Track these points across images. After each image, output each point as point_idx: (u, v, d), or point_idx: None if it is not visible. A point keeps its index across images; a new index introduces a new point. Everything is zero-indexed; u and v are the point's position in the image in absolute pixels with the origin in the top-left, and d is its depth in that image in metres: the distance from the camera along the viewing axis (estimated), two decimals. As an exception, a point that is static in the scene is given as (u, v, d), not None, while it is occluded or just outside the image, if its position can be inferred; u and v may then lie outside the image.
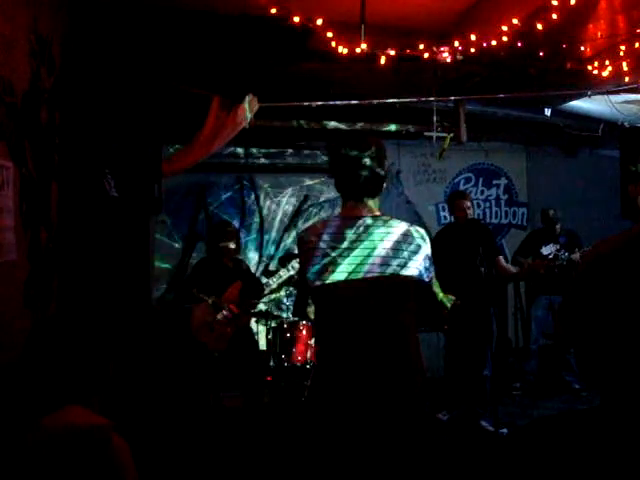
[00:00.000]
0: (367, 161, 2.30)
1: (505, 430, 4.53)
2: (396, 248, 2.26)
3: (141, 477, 1.77)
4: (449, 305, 4.20)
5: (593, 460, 1.83)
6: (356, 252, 2.25)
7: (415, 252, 2.28)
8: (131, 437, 1.83)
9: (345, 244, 2.27)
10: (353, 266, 2.24)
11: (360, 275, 2.24)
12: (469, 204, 4.95)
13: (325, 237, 2.30)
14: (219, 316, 4.53)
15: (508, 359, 6.28)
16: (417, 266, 2.29)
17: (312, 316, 5.19)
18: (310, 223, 6.68)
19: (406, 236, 2.29)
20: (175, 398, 4.48)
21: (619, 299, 1.79)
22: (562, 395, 5.66)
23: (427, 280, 2.37)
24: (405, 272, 2.26)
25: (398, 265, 2.25)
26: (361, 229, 2.29)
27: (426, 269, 2.34)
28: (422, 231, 2.37)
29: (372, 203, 2.35)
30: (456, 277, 4.69)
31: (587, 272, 1.93)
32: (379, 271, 2.23)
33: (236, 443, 4.19)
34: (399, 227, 2.32)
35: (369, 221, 2.31)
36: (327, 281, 2.26)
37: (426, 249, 2.33)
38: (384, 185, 2.39)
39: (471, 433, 4.73)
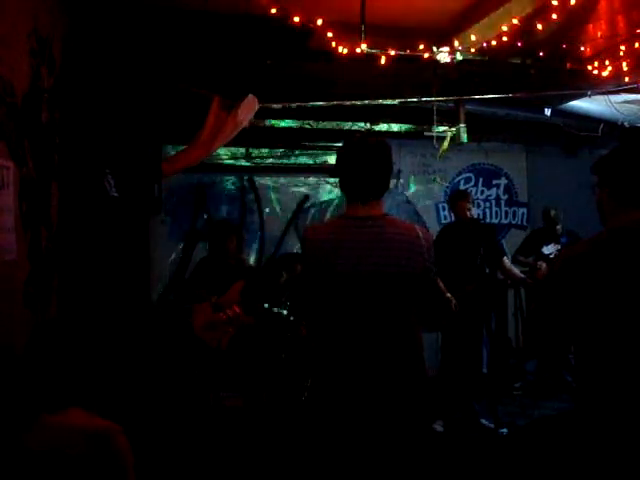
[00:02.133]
0: (372, 163, 2.31)
1: (505, 430, 4.53)
2: (400, 248, 2.26)
3: (142, 477, 1.78)
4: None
5: (592, 459, 1.83)
6: (360, 252, 2.26)
7: (419, 252, 2.29)
8: (131, 437, 1.83)
9: (349, 244, 2.28)
10: (357, 265, 2.25)
11: (364, 274, 2.24)
12: (470, 205, 4.95)
13: (329, 237, 2.31)
14: (221, 315, 4.54)
15: (508, 359, 6.28)
16: (421, 266, 2.30)
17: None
18: (311, 223, 6.69)
19: (410, 236, 2.30)
20: (175, 398, 4.48)
21: (583, 302, 1.81)
22: (562, 395, 5.65)
23: (431, 279, 2.37)
24: (409, 271, 2.26)
25: (402, 265, 2.25)
26: (366, 229, 2.30)
27: (430, 269, 2.34)
28: (425, 231, 2.39)
29: (376, 204, 2.36)
30: (457, 276, 4.72)
31: (554, 277, 1.95)
32: (383, 271, 2.24)
33: (236, 443, 4.19)
34: (403, 227, 2.33)
35: (374, 221, 2.31)
36: (330, 280, 2.27)
37: (429, 249, 2.34)
38: (388, 186, 2.41)
39: (471, 433, 4.72)
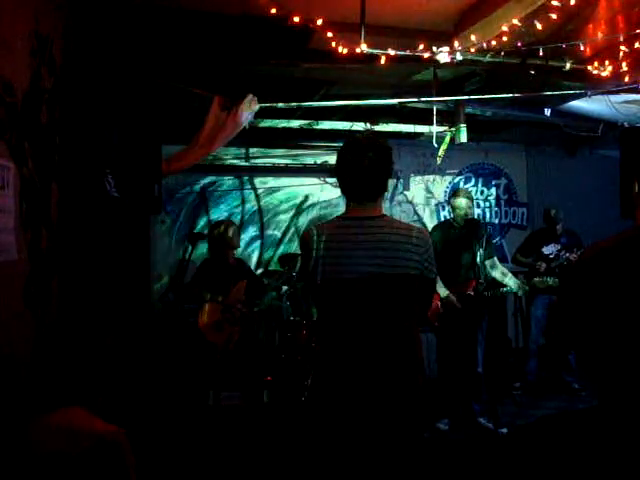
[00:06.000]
0: (368, 163, 2.31)
1: (505, 430, 4.53)
2: (399, 248, 2.26)
3: (142, 477, 1.78)
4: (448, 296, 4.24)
5: (593, 460, 1.83)
6: (359, 252, 2.26)
7: (417, 252, 2.29)
8: (131, 436, 1.83)
9: (348, 244, 2.28)
10: (356, 266, 2.25)
11: (363, 275, 2.24)
12: (470, 203, 4.94)
13: (328, 237, 2.31)
14: (229, 317, 4.54)
15: (508, 359, 6.28)
16: (419, 266, 2.30)
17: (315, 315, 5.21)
18: (311, 223, 6.69)
19: (409, 236, 2.30)
20: (175, 397, 4.48)
21: (610, 299, 1.79)
22: (562, 395, 5.66)
23: (429, 280, 2.37)
24: (407, 272, 2.26)
25: (400, 265, 2.25)
26: (364, 229, 2.30)
27: (428, 269, 2.34)
28: (424, 231, 2.39)
29: (375, 204, 2.36)
30: (451, 275, 4.72)
31: (580, 271, 1.92)
32: (381, 271, 2.24)
33: (236, 443, 4.19)
34: (401, 227, 2.33)
35: (372, 222, 2.31)
36: (330, 281, 2.27)
37: (429, 249, 2.34)
38: (387, 187, 2.41)
39: (471, 432, 4.73)
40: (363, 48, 3.72)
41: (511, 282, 4.91)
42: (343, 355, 2.27)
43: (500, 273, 4.91)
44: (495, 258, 4.97)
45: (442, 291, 4.60)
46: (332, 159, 6.72)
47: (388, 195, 6.86)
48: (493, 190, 7.54)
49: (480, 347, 4.82)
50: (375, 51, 3.79)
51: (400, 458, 2.24)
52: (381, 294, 2.25)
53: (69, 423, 1.72)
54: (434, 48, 3.95)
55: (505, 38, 3.74)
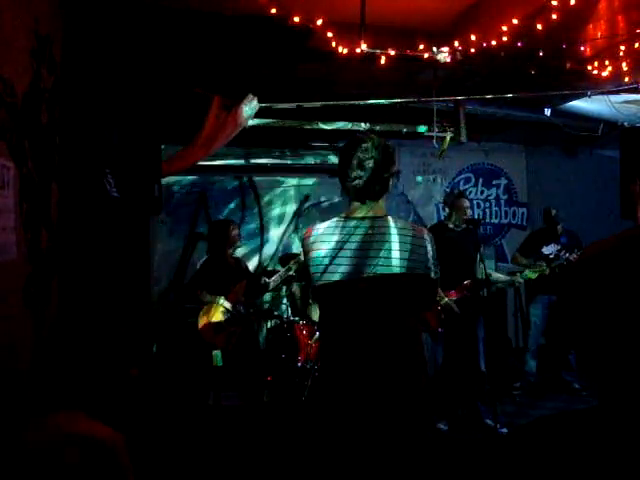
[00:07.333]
0: (370, 163, 2.31)
1: (505, 430, 4.54)
2: (401, 249, 2.26)
3: (142, 477, 1.77)
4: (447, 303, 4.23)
5: (593, 460, 1.83)
6: (360, 252, 2.26)
7: (420, 252, 2.29)
8: (131, 437, 1.83)
9: (349, 244, 2.28)
10: (357, 266, 2.25)
11: (364, 275, 2.24)
12: (468, 204, 4.95)
13: (330, 237, 2.31)
14: (229, 315, 4.54)
15: (508, 359, 6.29)
16: (422, 266, 2.29)
17: (313, 315, 5.21)
18: (311, 223, 6.69)
19: (411, 237, 2.29)
20: (174, 397, 4.48)
21: (611, 299, 1.79)
22: (562, 395, 5.67)
23: (432, 279, 2.37)
24: (410, 272, 2.26)
25: (403, 265, 2.25)
26: (366, 229, 2.29)
27: (431, 269, 2.34)
28: (426, 231, 2.38)
29: (377, 204, 2.36)
30: (448, 278, 4.72)
31: (581, 271, 1.92)
32: (384, 271, 2.24)
33: (235, 443, 4.19)
34: (404, 227, 2.32)
35: (373, 222, 2.31)
36: (331, 280, 2.27)
37: (431, 249, 2.34)
38: (389, 187, 2.41)
39: (475, 433, 4.73)
40: (363, 48, 3.72)
41: (500, 276, 5.01)
42: (345, 355, 2.26)
43: (487, 272, 4.96)
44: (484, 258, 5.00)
45: (442, 298, 4.59)
46: (332, 159, 6.72)
47: (388, 195, 6.85)
48: (493, 190, 7.55)
49: (481, 345, 4.82)
50: (375, 51, 3.80)
51: (403, 458, 2.24)
52: (383, 294, 2.25)
53: (68, 427, 1.71)
54: (434, 48, 3.95)
55: (505, 38, 3.74)
